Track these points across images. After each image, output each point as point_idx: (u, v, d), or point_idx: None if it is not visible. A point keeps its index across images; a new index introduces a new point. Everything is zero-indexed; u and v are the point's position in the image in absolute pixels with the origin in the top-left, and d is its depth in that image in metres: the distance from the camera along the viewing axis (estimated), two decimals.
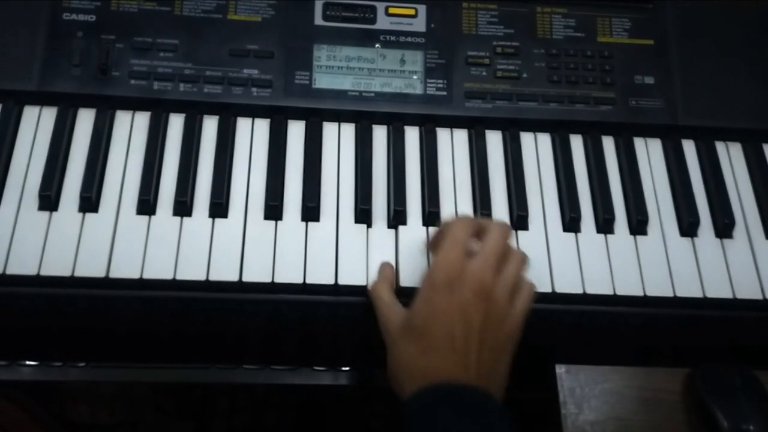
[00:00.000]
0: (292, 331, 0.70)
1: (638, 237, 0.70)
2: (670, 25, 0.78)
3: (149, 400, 1.15)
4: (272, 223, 0.67)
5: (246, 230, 0.67)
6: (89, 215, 0.66)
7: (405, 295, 0.64)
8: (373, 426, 1.15)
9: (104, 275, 0.63)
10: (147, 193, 0.67)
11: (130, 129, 0.71)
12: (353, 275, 0.65)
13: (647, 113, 0.75)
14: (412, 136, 0.74)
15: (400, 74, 0.74)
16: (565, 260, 0.68)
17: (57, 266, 0.63)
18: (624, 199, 0.72)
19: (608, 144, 0.75)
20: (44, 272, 0.63)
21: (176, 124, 0.72)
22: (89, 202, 0.66)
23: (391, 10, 0.76)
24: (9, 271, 0.63)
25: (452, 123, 0.74)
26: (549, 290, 0.66)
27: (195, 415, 1.15)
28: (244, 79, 0.72)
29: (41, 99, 0.71)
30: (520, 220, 0.70)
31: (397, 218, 0.69)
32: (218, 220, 0.67)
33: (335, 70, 0.74)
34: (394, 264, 0.66)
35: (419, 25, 0.76)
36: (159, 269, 0.64)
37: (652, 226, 0.71)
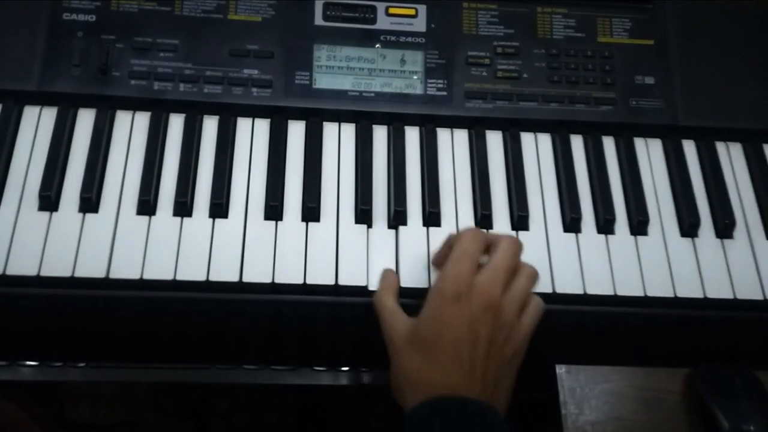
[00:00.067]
0: (292, 331, 0.70)
1: (639, 237, 0.70)
2: (670, 25, 0.78)
3: (149, 400, 1.15)
4: (272, 223, 0.67)
5: (246, 230, 0.67)
6: (89, 216, 0.66)
7: (405, 295, 0.65)
8: (373, 426, 1.15)
9: (104, 276, 0.63)
10: (147, 194, 0.67)
11: (130, 129, 0.71)
12: (353, 276, 0.65)
13: (647, 113, 0.75)
14: (412, 136, 0.74)
15: (401, 74, 0.74)
16: (566, 260, 0.68)
17: (57, 267, 0.63)
18: (624, 200, 0.72)
19: (608, 144, 0.75)
20: (44, 273, 0.63)
21: (176, 124, 0.72)
22: (89, 203, 0.66)
23: (392, 10, 0.76)
24: (9, 272, 0.63)
25: (452, 123, 0.74)
26: (549, 290, 0.66)
27: (195, 415, 1.15)
28: (244, 79, 0.72)
29: (41, 99, 0.71)
30: (520, 220, 0.70)
31: (397, 218, 0.69)
32: (218, 221, 0.67)
33: (335, 70, 0.74)
34: (394, 265, 0.66)
35: (419, 25, 0.76)
36: (159, 270, 0.64)
37: (653, 226, 0.71)
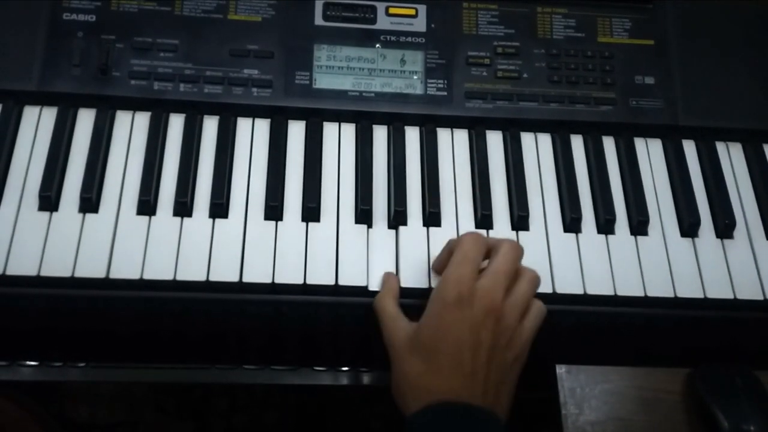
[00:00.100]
0: (292, 331, 0.70)
1: (639, 237, 0.70)
2: (670, 25, 0.78)
3: (149, 400, 1.15)
4: (272, 223, 0.67)
5: (246, 231, 0.66)
6: (89, 216, 0.66)
7: (405, 295, 0.65)
8: (373, 426, 1.15)
9: (104, 276, 0.63)
10: (147, 194, 0.67)
11: (131, 129, 0.71)
12: (353, 276, 0.65)
13: (647, 113, 0.75)
14: (412, 136, 0.74)
15: (401, 74, 0.74)
16: (566, 261, 0.68)
17: (57, 267, 0.63)
18: (624, 200, 0.72)
19: (609, 144, 0.75)
20: (44, 273, 0.63)
21: (176, 124, 0.72)
22: (89, 203, 0.66)
23: (392, 10, 0.76)
24: (9, 272, 0.63)
25: (453, 123, 0.74)
26: (550, 290, 0.66)
27: (195, 415, 1.15)
28: (244, 79, 0.72)
29: (41, 99, 0.71)
30: (520, 220, 0.70)
31: (397, 219, 0.69)
32: (218, 221, 0.67)
33: (335, 70, 0.74)
34: (394, 265, 0.66)
35: (419, 25, 0.76)
36: (159, 270, 0.64)
37: (653, 226, 0.71)
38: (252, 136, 0.72)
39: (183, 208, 0.67)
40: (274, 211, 0.68)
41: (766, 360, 0.66)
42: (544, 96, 0.75)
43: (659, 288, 0.67)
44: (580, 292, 0.67)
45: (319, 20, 0.75)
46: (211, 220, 0.67)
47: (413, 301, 0.64)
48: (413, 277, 0.66)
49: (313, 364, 0.73)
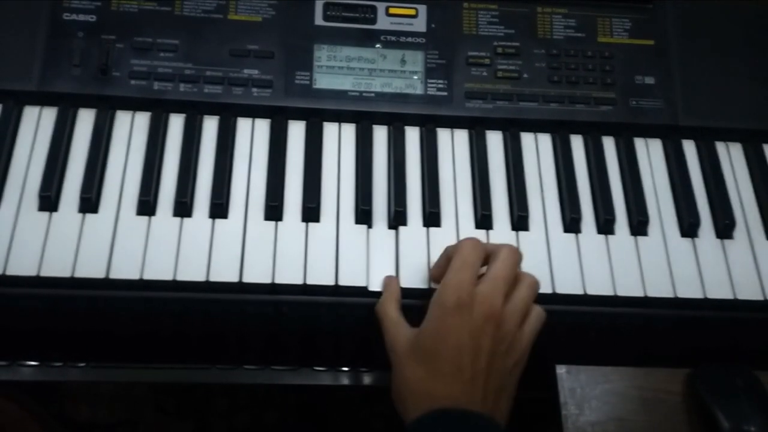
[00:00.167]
0: (292, 331, 0.70)
1: (639, 238, 0.70)
2: (670, 25, 0.78)
3: (149, 400, 1.15)
4: (272, 223, 0.67)
5: (246, 231, 0.66)
6: (89, 216, 0.66)
7: (405, 296, 0.65)
8: (373, 426, 1.15)
9: (104, 276, 0.63)
10: (147, 194, 0.67)
11: (130, 129, 0.71)
12: (353, 276, 0.65)
13: (647, 113, 0.75)
14: (412, 136, 0.74)
15: (401, 74, 0.74)
16: (566, 261, 0.68)
17: (57, 267, 0.63)
18: (624, 200, 0.72)
19: (609, 144, 0.75)
20: (44, 273, 0.63)
21: (176, 124, 0.72)
22: (89, 203, 0.66)
23: (392, 11, 0.76)
24: (9, 272, 0.63)
25: (453, 123, 0.74)
26: (550, 291, 0.66)
27: (195, 414, 1.15)
28: (244, 79, 0.72)
29: (41, 99, 0.71)
30: (520, 220, 0.70)
31: (397, 219, 0.69)
32: (218, 221, 0.67)
33: (336, 70, 0.74)
34: (394, 265, 0.66)
35: (420, 25, 0.76)
36: (159, 270, 0.64)
37: (653, 226, 0.71)
38: (252, 137, 0.72)
39: (183, 208, 0.67)
40: (274, 211, 0.68)
41: (766, 360, 0.66)
42: (544, 96, 0.75)
43: (659, 288, 0.67)
44: (580, 292, 0.67)
45: (319, 20, 0.75)
46: (211, 220, 0.67)
47: (413, 301, 0.64)
48: (413, 277, 0.66)
49: (313, 364, 0.73)
